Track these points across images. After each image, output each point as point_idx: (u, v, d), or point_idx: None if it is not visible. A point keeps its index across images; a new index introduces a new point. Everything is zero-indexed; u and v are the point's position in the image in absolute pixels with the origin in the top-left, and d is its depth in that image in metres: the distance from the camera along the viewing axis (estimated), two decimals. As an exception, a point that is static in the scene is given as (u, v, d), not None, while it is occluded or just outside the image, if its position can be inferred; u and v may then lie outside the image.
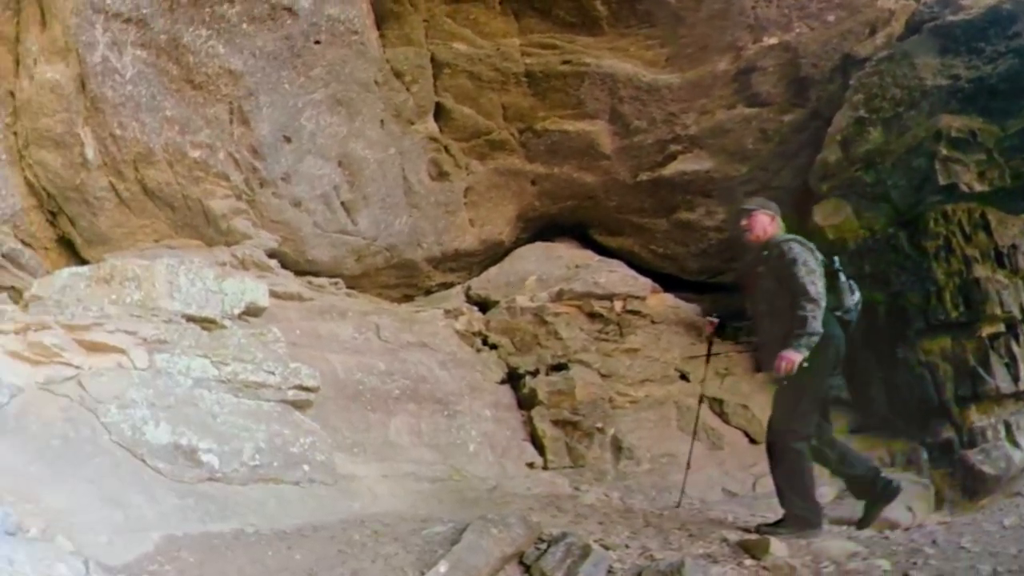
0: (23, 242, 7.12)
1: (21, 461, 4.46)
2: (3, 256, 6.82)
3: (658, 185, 8.54)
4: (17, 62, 6.71)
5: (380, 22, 6.92)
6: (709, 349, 6.88)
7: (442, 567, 3.85)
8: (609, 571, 4.10)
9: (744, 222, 5.92)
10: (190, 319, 5.95)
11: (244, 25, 6.32)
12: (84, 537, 3.82)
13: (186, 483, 4.88)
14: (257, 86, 6.62)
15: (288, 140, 7.07)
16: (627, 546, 4.66)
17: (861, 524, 5.60)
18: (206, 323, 6.01)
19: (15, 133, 6.90)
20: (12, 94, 6.78)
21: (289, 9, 6.34)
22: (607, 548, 4.45)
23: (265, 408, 5.76)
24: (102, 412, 5.04)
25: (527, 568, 4.16)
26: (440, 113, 7.77)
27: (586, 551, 4.12)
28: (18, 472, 4.32)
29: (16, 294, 6.46)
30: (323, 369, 6.59)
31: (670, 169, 8.38)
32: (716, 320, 6.66)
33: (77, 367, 5.34)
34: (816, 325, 5.19)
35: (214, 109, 6.71)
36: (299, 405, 5.99)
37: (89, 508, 4.16)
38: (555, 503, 6.08)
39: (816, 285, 5.29)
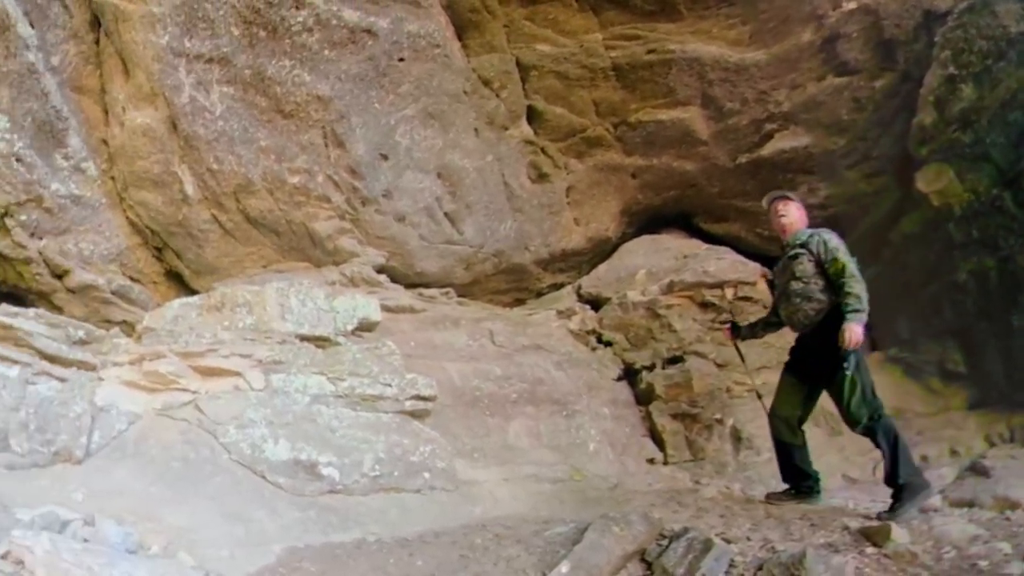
0: (131, 278, 7.49)
1: (142, 483, 4.70)
2: (113, 293, 7.19)
3: (758, 166, 8.35)
4: (105, 111, 6.99)
5: (460, 33, 6.98)
6: (740, 352, 6.83)
7: (564, 567, 3.85)
8: (731, 565, 3.99)
9: (782, 208, 5.90)
10: (304, 338, 6.16)
11: (326, 51, 6.45)
12: (205, 552, 3.98)
13: (307, 496, 5.05)
14: (347, 108, 6.76)
15: (385, 157, 7.21)
16: (748, 539, 4.55)
17: (770, 497, 5.84)
18: (320, 341, 6.21)
19: (112, 178, 7.20)
20: (105, 142, 7.07)
21: (368, 31, 6.45)
22: (728, 541, 4.36)
23: (384, 420, 5.91)
24: (221, 433, 5.28)
25: (648, 565, 4.10)
26: (533, 116, 7.79)
27: (708, 545, 4.02)
28: (139, 494, 4.56)
29: (128, 327, 6.78)
30: (440, 378, 6.70)
31: (768, 148, 8.19)
32: (729, 324, 6.70)
33: (194, 392, 5.62)
34: (866, 301, 5.27)
35: (308, 135, 6.89)
36: (417, 415, 6.13)
37: (210, 524, 4.34)
38: (676, 498, 6.03)
39: (858, 271, 5.39)
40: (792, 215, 5.85)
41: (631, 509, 4.90)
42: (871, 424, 5.23)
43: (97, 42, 6.68)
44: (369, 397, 5.94)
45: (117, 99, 6.75)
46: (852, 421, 5.34)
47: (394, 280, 8.08)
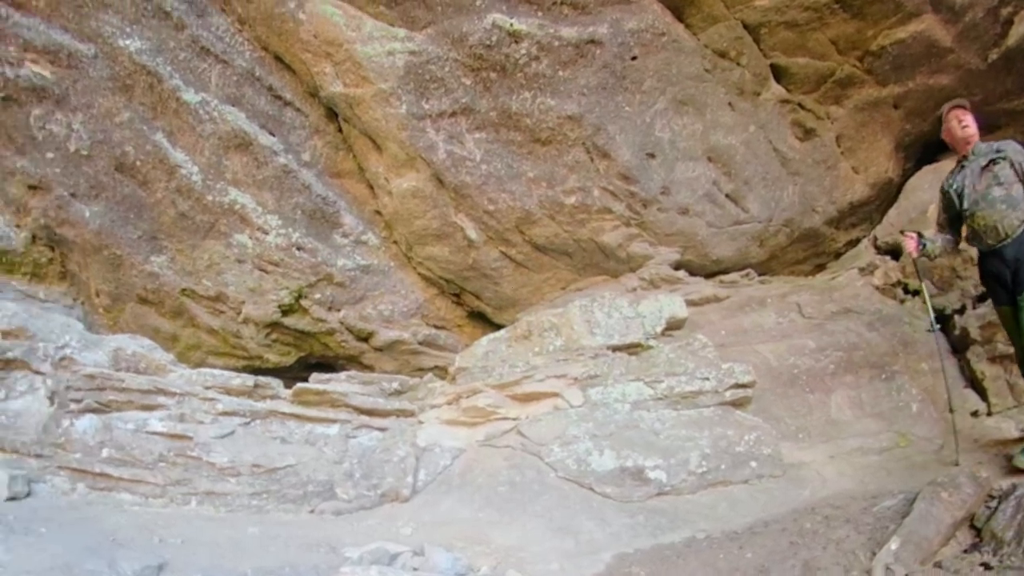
0: (435, 326, 8.27)
1: (469, 511, 5.20)
2: (420, 343, 8.00)
3: (1010, 59, 7.54)
4: (369, 186, 7.72)
5: (678, 14, 6.95)
6: (919, 272, 6.27)
7: (893, 544, 3.84)
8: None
9: (965, 117, 5.67)
10: (615, 348, 6.53)
11: (560, 73, 6.72)
12: (534, 568, 4.32)
13: (635, 502, 5.32)
14: (600, 120, 7.01)
15: (652, 156, 7.39)
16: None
17: None
18: (632, 348, 6.55)
19: (395, 242, 7.97)
20: (378, 212, 7.83)
21: (592, 41, 6.63)
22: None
23: (706, 414, 6.11)
24: (545, 453, 5.71)
25: (978, 531, 3.99)
26: (778, 74, 7.60)
27: (1037, 504, 3.84)
28: (467, 520, 5.05)
29: (441, 371, 7.51)
30: (755, 362, 6.81)
31: (1012, 37, 7.35)
32: (915, 235, 6.09)
33: (514, 419, 6.14)
34: None
35: (571, 155, 7.20)
36: (738, 403, 6.27)
37: (539, 541, 4.71)
38: (1002, 451, 5.67)
39: None
40: (974, 125, 5.63)
41: (958, 471, 4.73)
42: None
43: (339, 130, 7.46)
44: (688, 394, 6.17)
45: (378, 173, 7.48)
46: None
47: (692, 273, 8.26)
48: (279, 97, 7.18)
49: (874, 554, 3.85)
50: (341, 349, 8.30)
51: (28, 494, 4.96)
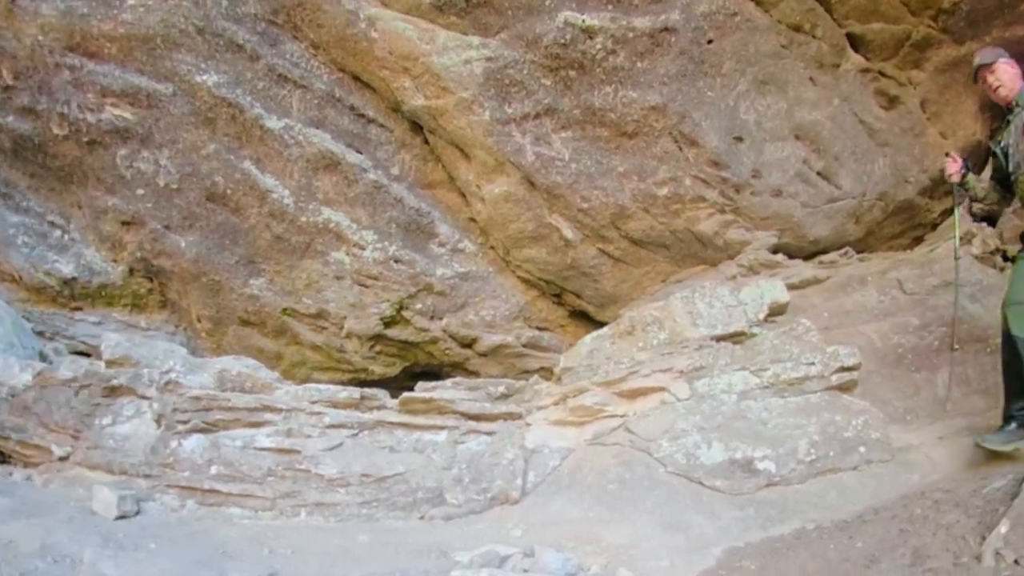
0: (538, 328, 8.40)
1: (579, 510, 5.29)
2: (524, 346, 8.14)
3: None
4: (461, 194, 7.90)
5: (747, -9, 6.99)
6: (955, 199, 6.01)
7: (1003, 527, 3.76)
8: None
9: (990, 78, 5.27)
10: (719, 339, 6.54)
11: (638, 64, 6.76)
12: (645, 565, 4.41)
13: (744, 494, 5.34)
14: (684, 107, 7.03)
15: (740, 139, 7.39)
16: None
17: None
18: (735, 337, 6.56)
19: (491, 247, 8.14)
20: (472, 220, 8.01)
21: (666, 29, 6.64)
22: None
23: (812, 400, 6.07)
24: (654, 448, 5.78)
25: (1086, 502, 3.88)
26: (855, 42, 7.49)
27: None
28: (577, 520, 5.15)
29: (546, 373, 7.62)
30: (859, 343, 6.72)
31: None
32: (960, 159, 5.80)
33: (622, 416, 6.22)
34: None
35: (659, 146, 7.24)
36: (844, 387, 6.21)
37: (649, 537, 4.79)
38: None
39: None
40: (1006, 78, 5.35)
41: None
42: None
43: (426, 142, 7.64)
44: (795, 380, 6.15)
45: (468, 180, 7.65)
46: None
47: (790, 256, 8.23)
48: (362, 115, 7.41)
49: (983, 538, 3.79)
50: (445, 357, 8.52)
51: (137, 512, 5.24)
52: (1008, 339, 5.19)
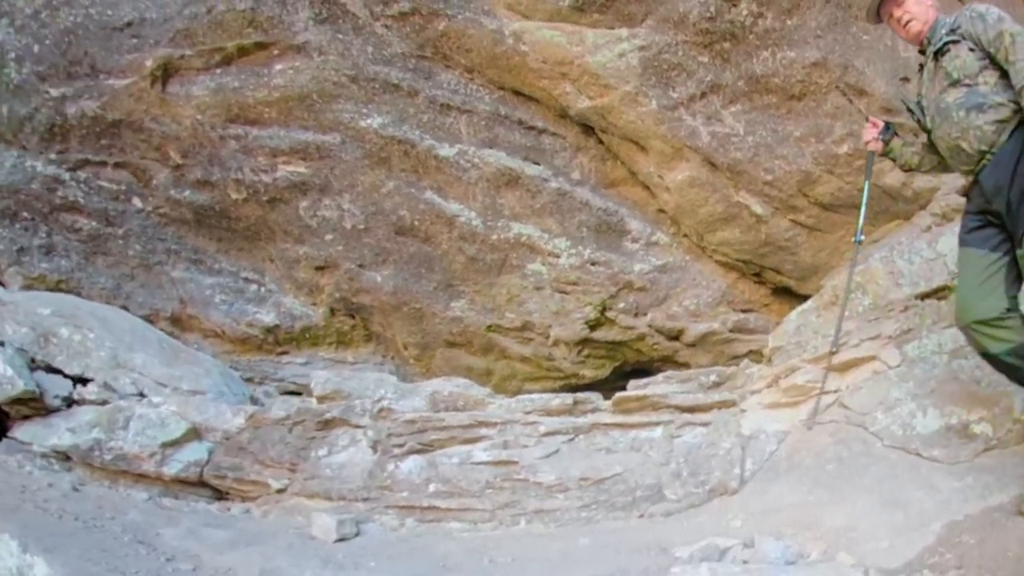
0: (743, 311, 8.40)
1: (797, 494, 5.29)
2: (731, 331, 8.14)
3: None
4: (645, 187, 8.00)
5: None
6: (867, 172, 5.29)
7: None
8: None
9: (897, 12, 4.35)
10: (923, 296, 6.39)
11: (788, 22, 6.69)
12: (864, 547, 4.37)
13: (962, 462, 5.12)
14: (844, 57, 6.88)
15: (907, 79, 7.03)
16: None
17: None
18: (939, 293, 6.37)
19: (685, 235, 8.19)
20: (662, 211, 8.09)
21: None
22: None
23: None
24: (869, 422, 5.67)
25: None
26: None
27: None
28: (795, 505, 5.14)
29: (756, 355, 7.59)
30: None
31: None
32: (882, 123, 4.89)
33: (835, 391, 6.13)
34: None
35: (828, 103, 7.11)
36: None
37: (868, 518, 4.73)
38: None
39: None
40: (916, 11, 4.40)
41: None
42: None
43: (600, 141, 7.81)
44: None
45: (650, 173, 7.76)
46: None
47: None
48: (531, 127, 7.70)
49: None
50: (654, 352, 8.67)
51: (357, 534, 5.64)
52: (990, 358, 4.42)
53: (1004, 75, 4.00)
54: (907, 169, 5.03)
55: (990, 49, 3.99)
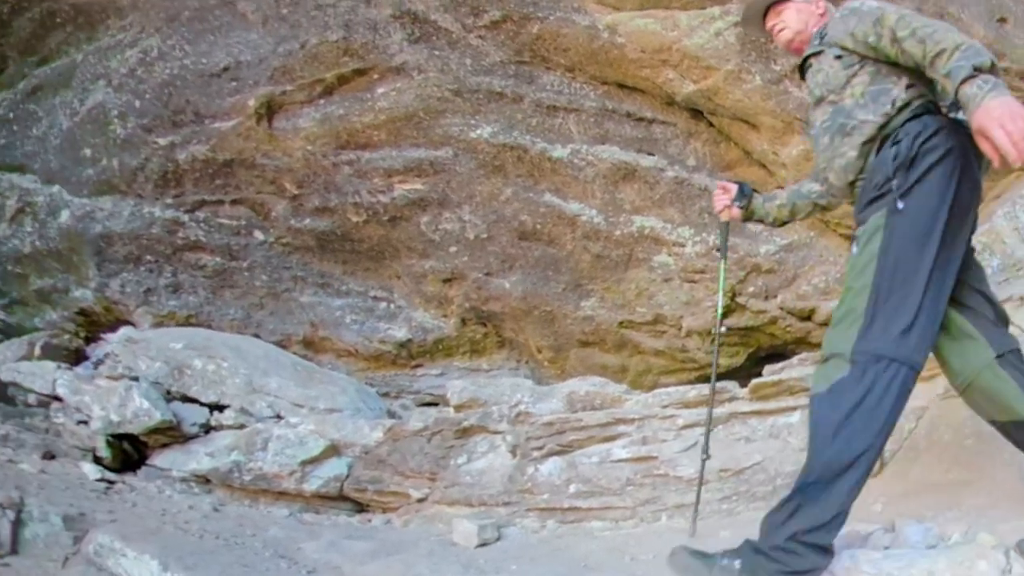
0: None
1: (938, 474, 5.22)
2: None
3: None
4: (762, 165, 7.91)
5: None
6: (723, 243, 4.67)
7: None
8: None
9: (773, 18, 3.95)
10: (1058, 247, 6.09)
11: None
12: (1005, 527, 4.18)
13: None
14: (937, 5, 6.56)
15: (1003, 20, 6.83)
16: None
17: None
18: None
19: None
20: (781, 187, 7.59)
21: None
22: None
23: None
24: None
25: None
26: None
27: None
28: (936, 485, 5.11)
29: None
30: None
31: None
32: (734, 186, 4.36)
33: None
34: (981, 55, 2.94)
35: None
36: None
37: (1009, 495, 4.60)
38: None
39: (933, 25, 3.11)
40: (792, 20, 4.02)
41: None
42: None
43: (711, 125, 7.79)
44: None
45: (764, 150, 7.69)
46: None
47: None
48: (640, 119, 7.73)
49: None
50: (787, 335, 8.55)
51: (498, 538, 5.74)
52: None
53: (881, 73, 3.49)
54: (780, 224, 4.53)
55: (869, 39, 3.39)
